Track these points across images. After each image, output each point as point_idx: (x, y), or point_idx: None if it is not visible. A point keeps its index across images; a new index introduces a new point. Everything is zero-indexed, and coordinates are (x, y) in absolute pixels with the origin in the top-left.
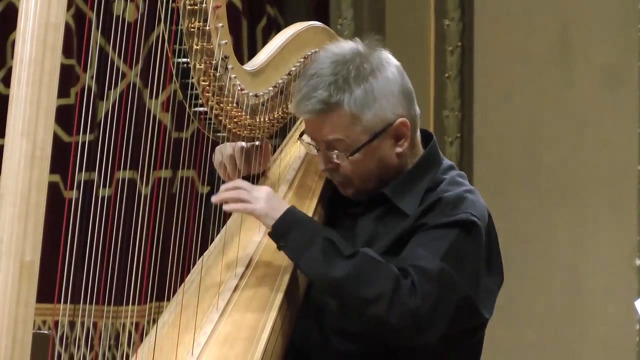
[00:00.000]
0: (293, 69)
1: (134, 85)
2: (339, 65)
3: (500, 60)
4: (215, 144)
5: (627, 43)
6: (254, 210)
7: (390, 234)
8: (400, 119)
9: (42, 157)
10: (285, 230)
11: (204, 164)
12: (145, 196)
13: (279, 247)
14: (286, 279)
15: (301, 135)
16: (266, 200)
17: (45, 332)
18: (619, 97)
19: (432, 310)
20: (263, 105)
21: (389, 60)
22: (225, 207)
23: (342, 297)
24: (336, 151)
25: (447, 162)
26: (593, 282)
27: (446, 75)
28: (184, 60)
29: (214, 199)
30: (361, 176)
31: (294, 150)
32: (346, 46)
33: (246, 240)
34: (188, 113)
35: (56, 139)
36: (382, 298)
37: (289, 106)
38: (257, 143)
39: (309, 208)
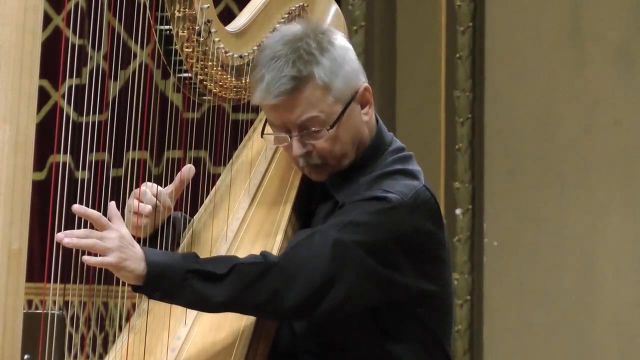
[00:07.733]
0: (277, 25)
1: (145, 65)
2: (295, 42)
3: (512, 40)
4: (224, 125)
5: (639, 22)
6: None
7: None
8: (364, 84)
9: (26, 142)
10: (155, 283)
11: (216, 144)
12: (159, 176)
13: (154, 298)
14: (279, 238)
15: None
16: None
17: (56, 312)
18: (631, 76)
19: (327, 281)
20: (248, 65)
21: (336, 31)
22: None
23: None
24: (314, 128)
25: (396, 144)
26: (604, 262)
27: (457, 55)
28: (166, 27)
29: (65, 240)
30: (338, 153)
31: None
32: (290, 27)
33: (235, 203)
34: (196, 89)
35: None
36: (273, 295)
37: (251, 98)
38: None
39: (286, 204)
